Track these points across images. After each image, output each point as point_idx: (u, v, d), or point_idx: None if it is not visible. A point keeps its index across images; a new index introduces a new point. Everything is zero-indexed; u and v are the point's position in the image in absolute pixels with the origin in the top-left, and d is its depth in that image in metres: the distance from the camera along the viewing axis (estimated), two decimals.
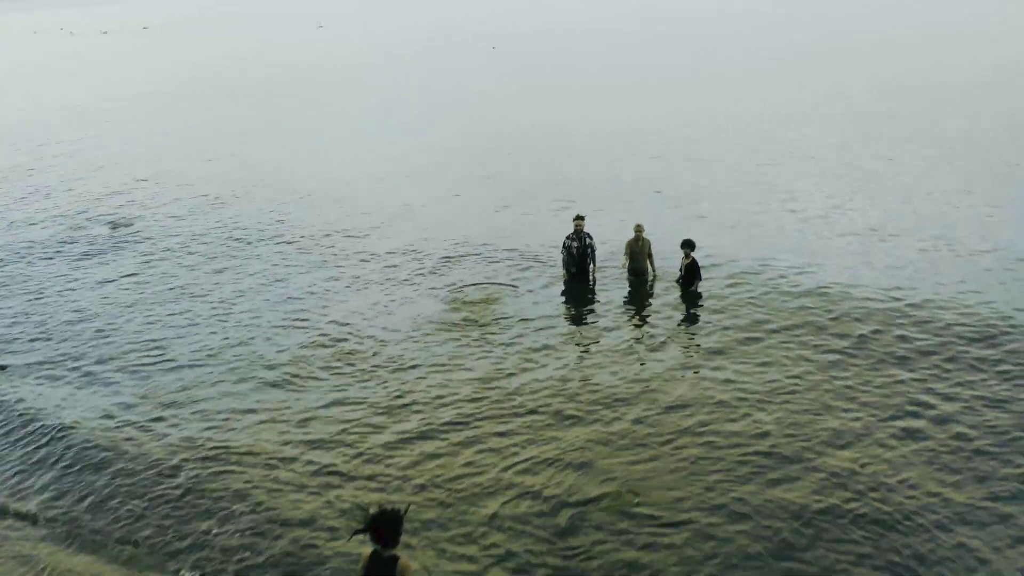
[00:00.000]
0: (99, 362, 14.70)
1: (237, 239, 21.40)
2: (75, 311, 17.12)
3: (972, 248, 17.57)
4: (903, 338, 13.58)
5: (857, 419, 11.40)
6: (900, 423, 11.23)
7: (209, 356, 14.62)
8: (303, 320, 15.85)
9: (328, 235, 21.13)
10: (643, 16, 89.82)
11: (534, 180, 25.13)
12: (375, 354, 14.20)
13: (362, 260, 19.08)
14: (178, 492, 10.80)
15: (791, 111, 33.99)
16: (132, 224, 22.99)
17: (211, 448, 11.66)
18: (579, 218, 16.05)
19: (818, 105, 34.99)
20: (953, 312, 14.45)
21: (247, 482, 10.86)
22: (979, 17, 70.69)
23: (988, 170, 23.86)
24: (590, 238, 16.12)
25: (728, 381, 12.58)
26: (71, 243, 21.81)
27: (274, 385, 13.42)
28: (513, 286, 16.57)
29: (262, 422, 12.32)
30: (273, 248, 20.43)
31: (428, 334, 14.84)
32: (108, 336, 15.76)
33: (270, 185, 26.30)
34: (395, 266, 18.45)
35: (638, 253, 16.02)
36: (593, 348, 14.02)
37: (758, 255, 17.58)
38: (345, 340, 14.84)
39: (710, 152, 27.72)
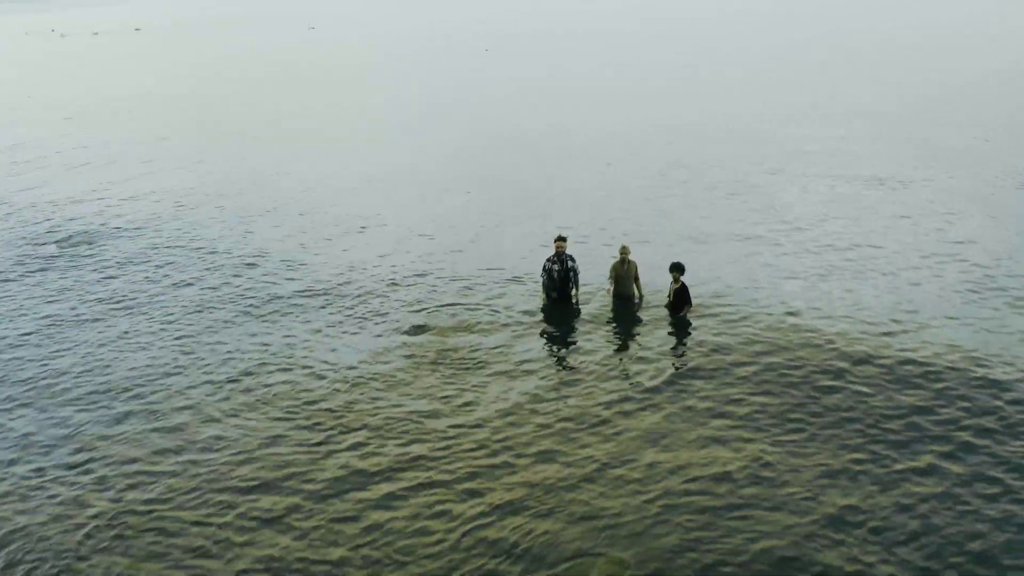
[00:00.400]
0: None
1: (196, 247, 20.07)
2: None
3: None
4: (899, 380, 12.17)
5: (856, 461, 10.32)
6: (906, 463, 10.18)
7: (137, 385, 13.24)
8: (251, 348, 14.32)
9: (290, 248, 19.68)
10: (643, 16, 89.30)
11: (522, 188, 24.05)
12: (328, 387, 12.82)
13: (328, 276, 17.57)
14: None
15: (791, 111, 33.72)
16: (88, 241, 21.02)
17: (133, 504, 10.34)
18: (560, 239, 14.95)
19: (818, 105, 34.75)
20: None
21: (176, 526, 9.79)
22: (979, 17, 70.03)
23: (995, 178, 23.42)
24: (572, 260, 15.03)
25: (720, 416, 11.52)
26: (21, 259, 20.14)
27: (210, 420, 12.07)
28: (492, 309, 15.28)
29: (192, 462, 11.11)
30: (231, 263, 18.81)
31: (392, 365, 13.41)
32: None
33: (243, 193, 25.06)
34: (362, 286, 16.86)
35: (624, 276, 14.89)
36: (572, 379, 12.78)
37: (753, 277, 16.28)
38: (295, 369, 13.42)
39: (709, 157, 27.39)
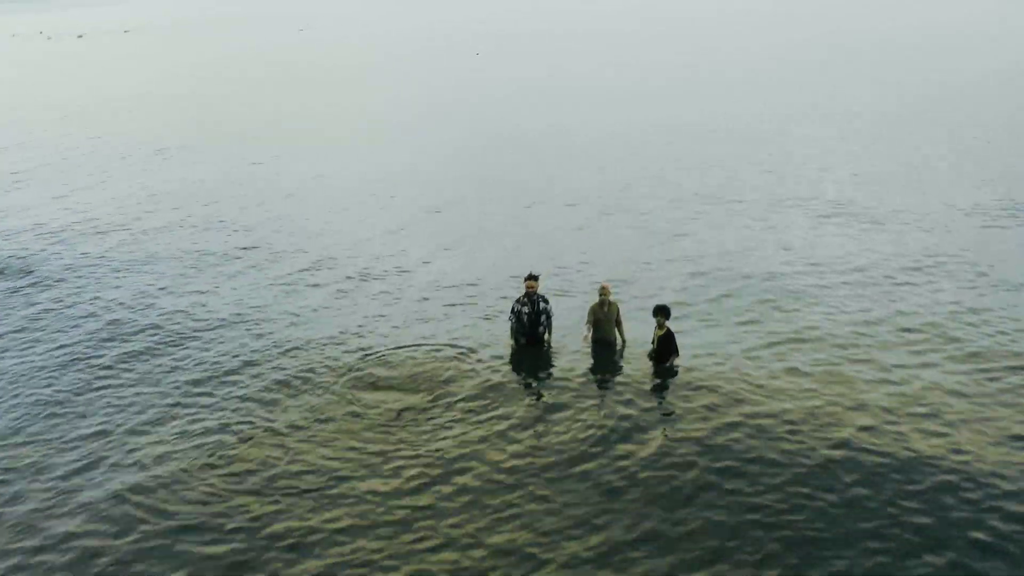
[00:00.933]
0: None
1: (142, 260, 19.20)
2: None
3: None
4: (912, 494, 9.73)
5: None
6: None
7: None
8: (182, 400, 12.70)
9: (242, 267, 18.33)
10: (643, 16, 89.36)
11: (518, 194, 23.23)
12: (264, 452, 11.03)
13: (279, 305, 16.03)
14: None
15: (791, 111, 33.70)
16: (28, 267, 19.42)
17: None
18: (531, 278, 13.27)
19: (818, 105, 34.72)
20: None
21: None
22: (979, 17, 70.06)
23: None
24: (545, 302, 13.41)
25: (708, 487, 9.86)
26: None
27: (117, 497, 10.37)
28: (457, 351, 13.62)
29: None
30: (180, 282, 17.53)
31: (336, 423, 11.64)
32: None
33: (205, 203, 24.05)
34: (309, 327, 14.96)
35: (604, 320, 13.14)
36: (541, 444, 10.91)
37: (748, 311, 14.63)
38: (230, 426, 11.77)
39: (709, 157, 27.37)
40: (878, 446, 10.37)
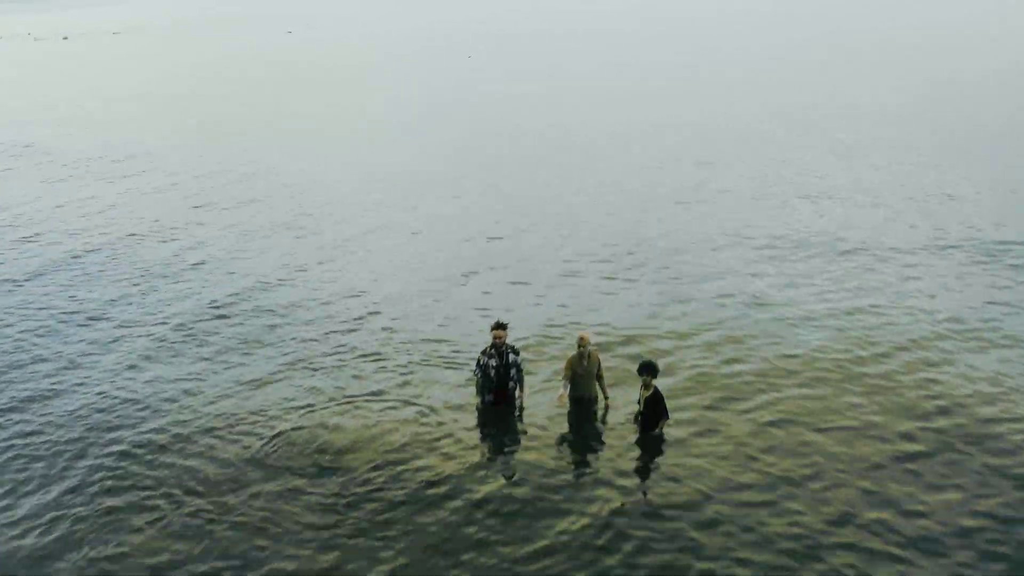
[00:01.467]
0: None
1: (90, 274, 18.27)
2: None
3: None
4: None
5: None
6: None
7: None
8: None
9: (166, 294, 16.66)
10: (643, 16, 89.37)
11: (513, 206, 22.05)
12: (176, 543, 9.25)
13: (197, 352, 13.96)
14: None
15: (791, 111, 33.67)
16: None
17: None
18: (499, 327, 11.41)
19: (818, 106, 34.67)
20: None
21: None
22: (979, 17, 70.06)
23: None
24: (515, 353, 11.51)
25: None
26: None
27: None
28: (419, 409, 11.69)
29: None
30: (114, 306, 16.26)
31: (264, 500, 9.80)
32: None
33: (170, 214, 22.79)
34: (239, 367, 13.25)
35: (583, 376, 11.33)
36: (501, 524, 9.29)
37: (749, 362, 12.73)
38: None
39: (709, 158, 27.21)
40: None
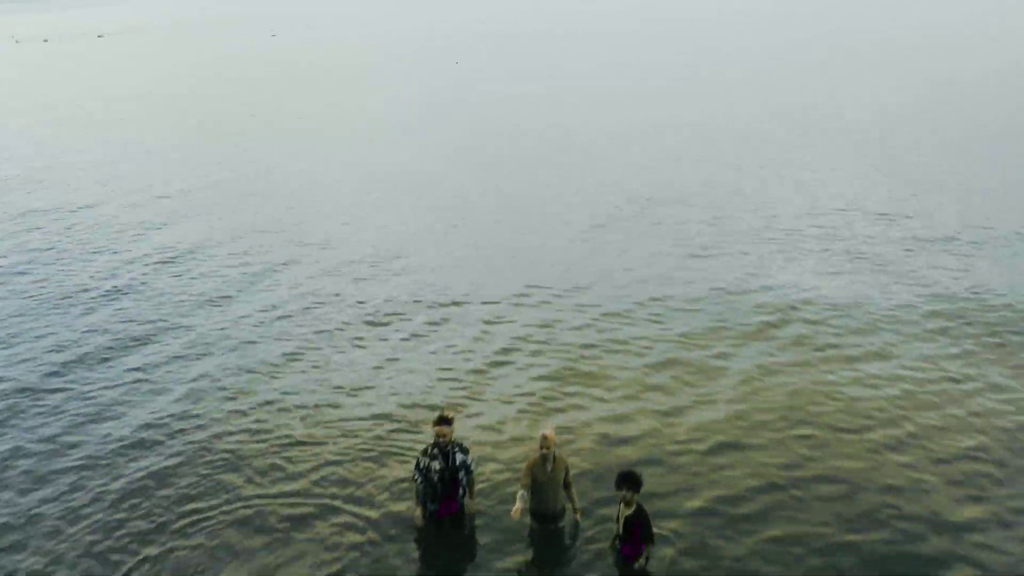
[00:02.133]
0: None
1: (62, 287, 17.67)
2: None
3: None
4: None
5: None
6: None
7: None
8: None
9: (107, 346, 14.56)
10: (643, 16, 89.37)
11: (509, 214, 21.17)
12: None
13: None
14: None
15: (790, 111, 33.64)
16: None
17: None
18: (443, 422, 9.10)
19: (818, 106, 34.66)
20: None
21: None
22: (979, 17, 70.07)
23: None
24: (463, 452, 9.30)
25: None
26: None
27: None
28: (347, 517, 9.52)
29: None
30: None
31: None
32: None
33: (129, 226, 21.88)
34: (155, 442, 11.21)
35: (547, 484, 8.99)
36: None
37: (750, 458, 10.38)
38: None
39: (707, 158, 27.10)
40: None
